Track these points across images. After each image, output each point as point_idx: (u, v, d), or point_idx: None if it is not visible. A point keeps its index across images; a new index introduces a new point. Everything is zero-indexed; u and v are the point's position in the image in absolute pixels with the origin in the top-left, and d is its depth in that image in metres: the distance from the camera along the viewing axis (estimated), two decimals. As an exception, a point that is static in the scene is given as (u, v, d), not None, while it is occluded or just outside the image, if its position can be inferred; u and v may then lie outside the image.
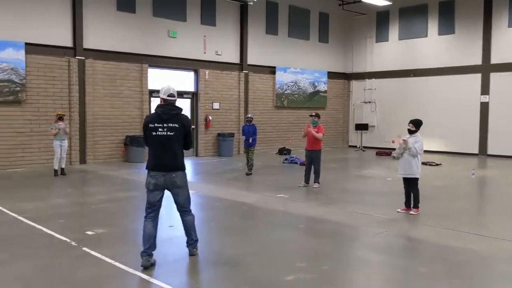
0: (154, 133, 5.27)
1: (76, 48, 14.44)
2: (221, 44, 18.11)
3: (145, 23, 16.00)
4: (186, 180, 5.56)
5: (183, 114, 5.51)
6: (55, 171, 12.22)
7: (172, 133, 5.28)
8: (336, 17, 21.98)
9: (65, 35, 14.32)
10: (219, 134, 18.01)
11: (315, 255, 5.97)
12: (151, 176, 5.35)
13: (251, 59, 19.02)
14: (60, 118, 12.25)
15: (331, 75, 22.15)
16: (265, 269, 5.32)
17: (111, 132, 15.39)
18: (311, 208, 8.71)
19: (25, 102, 13.56)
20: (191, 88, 17.74)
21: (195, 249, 5.70)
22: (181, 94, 17.51)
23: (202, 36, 17.49)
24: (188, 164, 15.78)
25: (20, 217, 7.49)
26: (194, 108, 17.82)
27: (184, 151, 5.54)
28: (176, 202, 5.56)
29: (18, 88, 13.39)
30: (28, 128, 13.67)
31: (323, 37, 21.72)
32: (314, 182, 10.76)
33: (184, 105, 17.66)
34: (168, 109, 5.34)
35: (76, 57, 14.44)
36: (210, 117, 17.80)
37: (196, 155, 17.75)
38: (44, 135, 13.51)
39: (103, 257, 5.50)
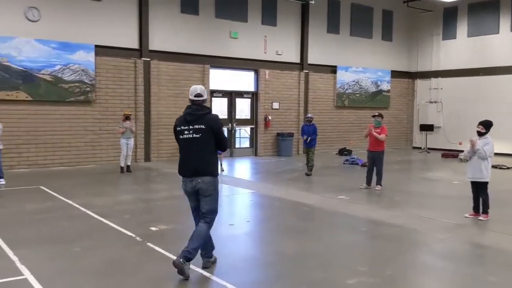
0: (181, 137, 5.02)
1: (142, 50, 14.97)
2: (281, 44, 18.11)
3: (208, 25, 16.30)
4: (215, 187, 5.05)
5: (211, 114, 5.05)
6: (121, 168, 12.73)
7: (198, 135, 4.92)
8: (400, 15, 21.34)
9: (132, 37, 14.88)
10: (278, 134, 18.02)
11: (377, 259, 5.82)
12: (182, 182, 5.13)
13: (312, 59, 18.88)
14: (127, 117, 12.74)
15: (395, 74, 21.55)
16: (325, 271, 5.25)
17: (174, 131, 15.78)
18: (373, 210, 8.51)
19: (94, 102, 14.23)
20: (251, 88, 17.88)
21: (184, 263, 4.79)
22: (241, 94, 17.71)
23: (263, 36, 17.57)
24: (247, 163, 15.99)
25: (89, 212, 7.86)
26: (253, 107, 17.94)
27: (217, 154, 5.15)
28: (201, 208, 5.09)
29: (88, 89, 14.07)
30: (97, 126, 14.33)
31: (387, 35, 21.17)
32: (376, 184, 10.51)
33: (244, 105, 17.89)
34: (195, 109, 4.99)
35: (142, 59, 14.97)
36: (269, 117, 17.85)
37: (255, 155, 17.87)
38: (112, 133, 14.11)
39: (166, 253, 5.65)
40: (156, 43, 15.24)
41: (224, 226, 7.32)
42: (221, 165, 13.32)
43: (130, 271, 5.14)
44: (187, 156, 5.03)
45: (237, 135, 17.88)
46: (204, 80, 16.27)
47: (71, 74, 13.80)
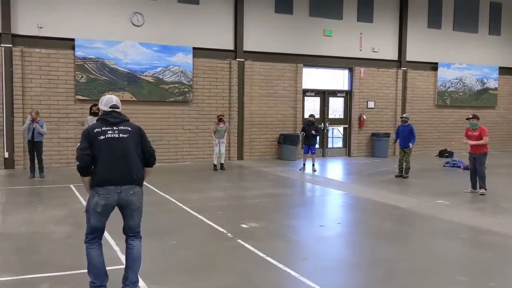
0: (101, 137, 4.18)
1: (236, 51, 15.32)
2: (377, 41, 17.55)
3: (302, 24, 16.27)
4: (143, 199, 4.43)
5: (133, 123, 4.45)
6: (215, 166, 13.13)
7: (125, 135, 4.26)
8: (510, 7, 19.67)
9: (228, 39, 15.29)
10: (373, 134, 17.49)
11: (478, 269, 5.40)
12: (99, 194, 4.20)
13: (411, 55, 18.06)
14: (220, 119, 13.13)
15: (503, 70, 19.91)
16: (420, 278, 4.97)
17: (266, 130, 16.02)
18: (475, 217, 7.92)
19: (191, 102, 14.84)
20: (345, 86, 17.54)
21: None
22: (334, 93, 17.45)
23: (358, 34, 17.14)
24: (340, 164, 15.71)
25: (185, 207, 8.19)
26: (347, 107, 17.58)
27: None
28: (128, 223, 4.40)
29: (186, 89, 14.71)
30: (194, 125, 14.93)
31: (494, 29, 19.62)
32: (480, 188, 9.79)
33: (337, 104, 17.60)
34: (116, 115, 4.31)
35: (237, 59, 15.32)
36: (364, 116, 17.38)
37: (348, 155, 17.50)
38: (207, 132, 14.61)
39: (256, 250, 5.70)
40: (250, 43, 15.51)
41: (314, 227, 7.26)
42: (313, 165, 13.23)
43: (221, 266, 5.26)
44: (113, 160, 4.12)
45: (329, 134, 17.65)
46: (297, 79, 16.27)
47: (171, 76, 14.52)
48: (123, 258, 5.34)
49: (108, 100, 4.38)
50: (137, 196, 4.28)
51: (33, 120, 11.11)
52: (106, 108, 4.33)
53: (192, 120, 14.91)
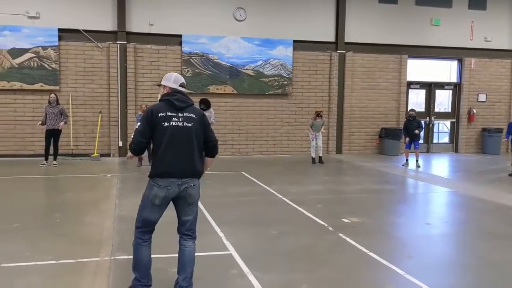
0: (165, 124, 3.90)
1: (337, 43, 15.10)
2: (491, 29, 16.29)
3: (407, 13, 15.60)
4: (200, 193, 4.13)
5: (198, 108, 4.19)
6: (313, 159, 13.09)
7: (189, 124, 3.94)
8: None
9: (329, 31, 15.11)
10: (484, 129, 16.32)
11: None
12: (159, 186, 3.94)
13: (529, 44, 16.58)
14: (318, 115, 13.03)
15: None
16: (541, 286, 4.57)
17: (366, 124, 15.63)
18: None
19: (290, 95, 14.91)
20: (453, 78, 16.55)
21: None
22: (441, 85, 16.54)
23: (469, 22, 16.05)
24: (446, 160, 14.87)
25: (285, 199, 8.28)
26: (455, 100, 16.58)
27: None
28: (182, 220, 4.08)
29: (285, 82, 14.81)
30: (293, 118, 15.00)
31: None
32: None
33: (444, 97, 16.67)
34: (181, 97, 3.99)
35: (337, 51, 15.10)
36: (474, 110, 16.27)
37: (455, 151, 16.54)
38: (306, 125, 14.59)
39: (358, 246, 5.60)
40: (351, 35, 15.19)
41: (420, 224, 6.97)
42: (417, 161, 12.68)
43: (322, 259, 5.24)
44: (176, 151, 3.86)
45: (435, 129, 16.78)
46: (401, 71, 15.67)
47: (271, 69, 14.70)
48: (228, 244, 5.56)
49: (178, 77, 4.05)
50: (196, 189, 3.99)
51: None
52: (176, 86, 3.99)
53: (290, 113, 14.99)
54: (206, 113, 11.37)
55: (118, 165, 12.50)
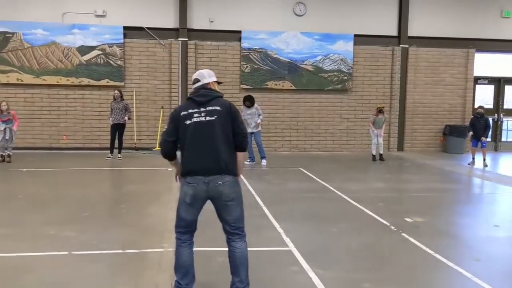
0: (187, 122, 3.82)
1: (400, 37, 14.64)
2: None
3: (475, 5, 14.87)
4: (240, 188, 3.92)
5: (225, 99, 3.93)
6: (373, 156, 12.79)
7: (213, 118, 3.80)
8: None
9: (391, 24, 14.68)
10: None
11: None
12: (187, 184, 3.87)
13: None
14: (380, 111, 12.70)
15: None
16: None
17: (430, 120, 15.08)
18: None
19: (350, 90, 14.64)
20: (525, 73, 15.64)
21: None
22: (510, 81, 15.68)
23: (544, 13, 15.07)
24: (506, 161, 14.05)
25: (344, 196, 8.14)
26: (527, 96, 15.63)
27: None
28: (225, 218, 3.88)
29: (345, 77, 14.55)
30: (352, 114, 14.73)
31: None
32: None
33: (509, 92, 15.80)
34: (204, 92, 3.91)
35: (400, 46, 14.64)
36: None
37: (527, 150, 15.62)
38: (365, 121, 14.28)
39: (423, 246, 5.41)
40: (415, 28, 14.69)
41: (488, 226, 6.64)
42: (484, 160, 12.10)
43: (386, 258, 5.11)
44: (199, 148, 3.73)
45: (503, 127, 15.92)
46: (468, 66, 14.98)
47: (330, 64, 14.49)
48: (288, 240, 5.54)
49: (210, 72, 4.01)
50: (229, 186, 3.75)
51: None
52: (210, 80, 3.93)
53: (350, 109, 14.72)
54: (252, 110, 11.53)
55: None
